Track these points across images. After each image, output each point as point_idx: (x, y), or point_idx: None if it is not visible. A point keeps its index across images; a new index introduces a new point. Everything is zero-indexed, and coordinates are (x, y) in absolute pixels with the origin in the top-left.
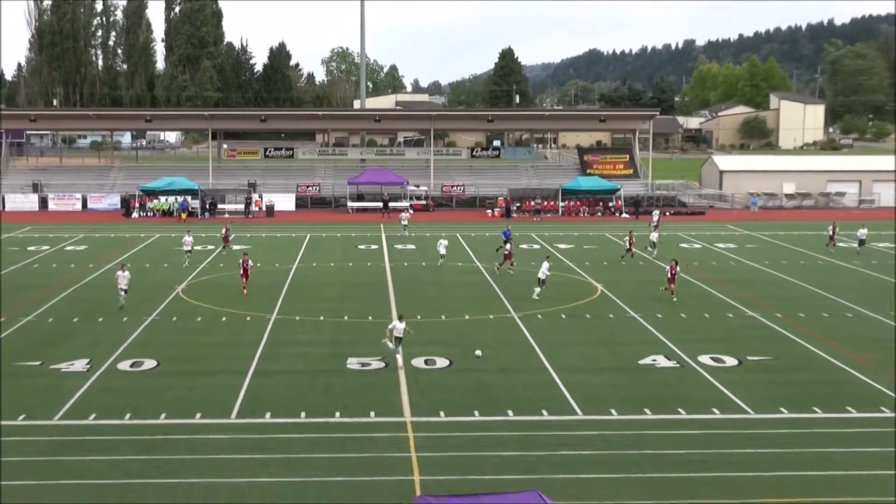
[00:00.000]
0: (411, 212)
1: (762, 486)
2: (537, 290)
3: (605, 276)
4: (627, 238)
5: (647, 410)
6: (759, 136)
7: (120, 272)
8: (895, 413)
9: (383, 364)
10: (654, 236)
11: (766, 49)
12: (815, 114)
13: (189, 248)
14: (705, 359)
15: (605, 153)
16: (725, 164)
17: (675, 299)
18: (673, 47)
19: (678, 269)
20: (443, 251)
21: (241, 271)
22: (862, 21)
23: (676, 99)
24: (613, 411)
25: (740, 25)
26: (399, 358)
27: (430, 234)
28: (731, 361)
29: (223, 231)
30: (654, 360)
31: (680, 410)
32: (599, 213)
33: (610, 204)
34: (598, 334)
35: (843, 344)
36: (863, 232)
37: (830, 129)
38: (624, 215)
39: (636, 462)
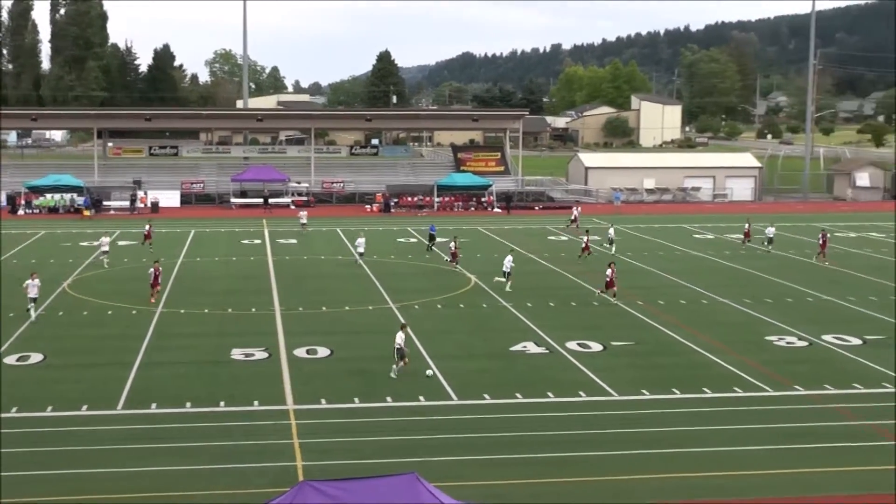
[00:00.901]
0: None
1: (627, 464)
2: (503, 280)
3: (478, 267)
4: (585, 237)
5: (518, 394)
6: (621, 135)
7: (30, 280)
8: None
9: (267, 354)
10: (610, 233)
11: (628, 53)
12: (673, 114)
13: (107, 249)
14: (572, 345)
15: (477, 151)
16: (590, 162)
17: (615, 301)
18: (541, 51)
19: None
20: (361, 249)
21: (152, 279)
22: (715, 27)
23: (545, 100)
24: (487, 396)
25: (604, 31)
26: (396, 367)
27: (311, 229)
28: (596, 347)
29: (146, 228)
30: (525, 347)
31: (549, 394)
32: (473, 208)
33: (483, 199)
34: (472, 323)
35: (699, 329)
36: (771, 230)
37: (687, 129)
38: (496, 210)
39: (509, 444)
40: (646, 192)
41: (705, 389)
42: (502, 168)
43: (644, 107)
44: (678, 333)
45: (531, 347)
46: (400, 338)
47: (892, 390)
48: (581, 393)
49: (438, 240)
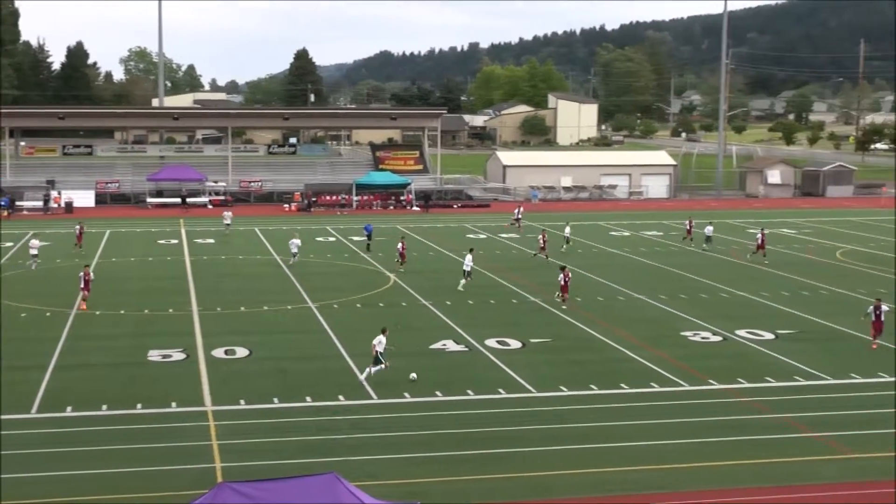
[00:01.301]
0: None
1: (547, 460)
2: (462, 281)
3: (396, 266)
4: (541, 237)
5: (438, 392)
6: (538, 133)
7: None
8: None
9: (184, 355)
10: (566, 231)
11: (545, 52)
12: (590, 112)
13: (36, 252)
14: (491, 342)
15: (396, 150)
16: (508, 160)
17: (564, 307)
18: (459, 49)
19: (569, 277)
20: (294, 250)
21: (82, 284)
22: (630, 27)
23: (463, 98)
24: (407, 394)
25: (521, 30)
26: (372, 369)
27: (229, 230)
28: (515, 344)
29: (77, 228)
30: (444, 345)
31: (469, 391)
32: (392, 207)
33: (401, 198)
34: (392, 322)
35: (616, 325)
36: (709, 229)
37: (603, 127)
38: (414, 208)
39: (429, 441)
40: (563, 189)
41: (622, 385)
42: (421, 166)
43: (561, 105)
44: (596, 330)
45: (451, 345)
46: (378, 341)
47: (804, 383)
48: (500, 390)
49: (377, 239)
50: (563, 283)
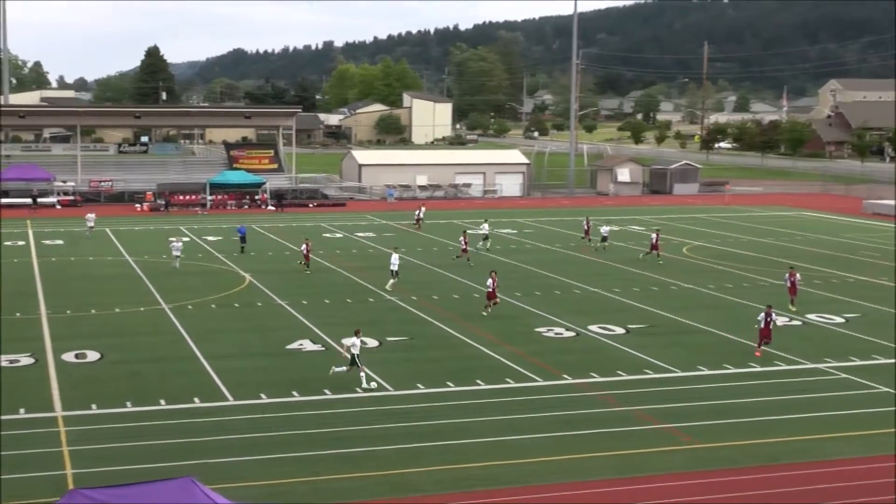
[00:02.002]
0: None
1: (406, 458)
2: (391, 281)
3: (252, 265)
4: (462, 237)
5: (295, 393)
6: (394, 132)
7: None
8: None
9: (33, 360)
10: (485, 228)
11: (399, 51)
12: (444, 111)
13: None
14: (349, 341)
15: (250, 149)
16: (364, 159)
17: (485, 313)
18: (314, 48)
19: (497, 283)
20: (177, 253)
21: None
22: (483, 27)
23: (318, 97)
24: (263, 395)
25: (375, 29)
26: (343, 368)
27: (75, 230)
28: (372, 343)
29: None
30: (301, 345)
31: (326, 391)
32: (246, 206)
33: (256, 197)
34: (248, 322)
35: (471, 322)
36: (605, 229)
37: (458, 126)
38: (269, 208)
39: (287, 442)
40: (419, 188)
41: (479, 381)
42: (276, 165)
43: (416, 104)
44: (452, 327)
45: (307, 345)
46: (351, 342)
47: (653, 376)
48: (358, 389)
49: (232, 239)
50: (491, 289)
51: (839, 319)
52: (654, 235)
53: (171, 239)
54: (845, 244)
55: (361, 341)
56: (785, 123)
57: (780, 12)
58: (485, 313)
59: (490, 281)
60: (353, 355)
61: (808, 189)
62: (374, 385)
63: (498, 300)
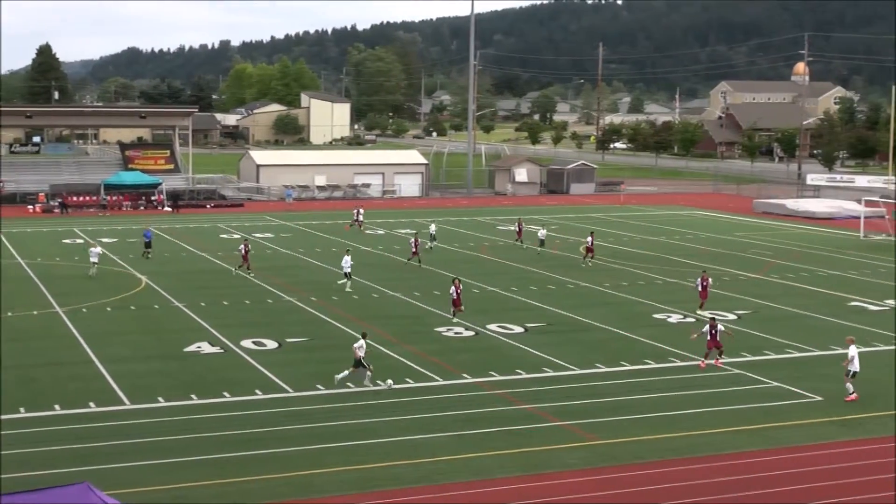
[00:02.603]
0: None
1: (308, 460)
2: (347, 282)
3: (148, 267)
4: (413, 240)
5: (193, 396)
6: (292, 132)
7: None
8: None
9: None
10: (432, 229)
11: (297, 51)
12: (342, 112)
13: None
14: (247, 343)
15: (146, 149)
16: (262, 159)
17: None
18: (210, 47)
19: (460, 289)
20: (94, 259)
21: None
22: (381, 27)
23: (214, 97)
24: (161, 399)
25: (272, 28)
26: (348, 372)
27: None
28: (271, 344)
29: None
30: (199, 347)
31: (225, 394)
32: (142, 207)
33: (152, 198)
34: (144, 324)
35: (371, 322)
36: (543, 232)
37: (356, 126)
38: (166, 209)
39: (187, 446)
40: (317, 189)
41: (379, 382)
42: (172, 166)
43: (314, 104)
44: (351, 327)
45: (206, 347)
46: (358, 345)
47: (552, 374)
48: (257, 391)
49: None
50: (454, 296)
51: (732, 316)
52: (588, 238)
53: (90, 246)
54: (736, 242)
55: (367, 343)
56: (677, 124)
57: (670, 15)
58: (455, 320)
59: (453, 289)
60: (357, 358)
61: (700, 189)
62: (389, 383)
63: (462, 308)
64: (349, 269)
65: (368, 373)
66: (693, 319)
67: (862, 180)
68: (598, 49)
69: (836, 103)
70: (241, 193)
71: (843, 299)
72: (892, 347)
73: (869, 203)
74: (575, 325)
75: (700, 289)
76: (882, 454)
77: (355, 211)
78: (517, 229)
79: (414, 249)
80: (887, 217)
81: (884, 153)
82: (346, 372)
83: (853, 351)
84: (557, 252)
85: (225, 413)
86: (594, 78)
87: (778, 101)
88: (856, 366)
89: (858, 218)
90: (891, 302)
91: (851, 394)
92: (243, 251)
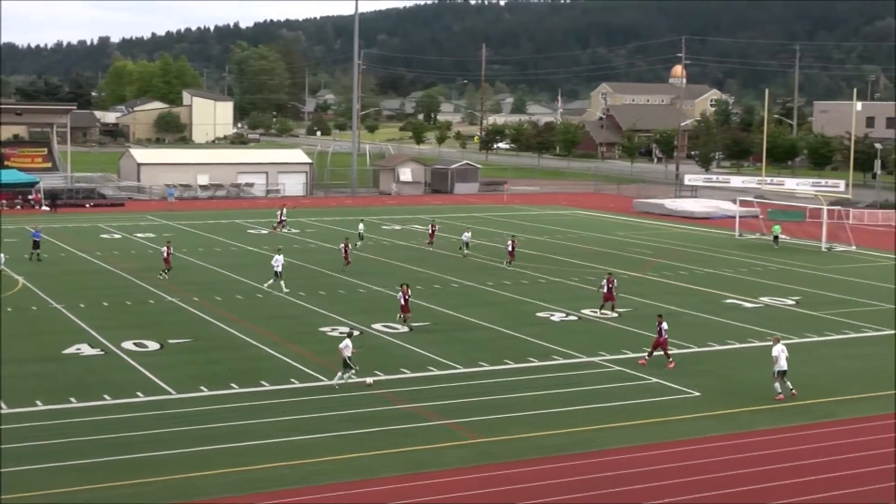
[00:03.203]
0: None
1: (191, 462)
2: (274, 281)
3: (26, 268)
4: (343, 246)
5: (72, 399)
6: (174, 131)
7: None
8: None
9: None
10: (360, 228)
11: (179, 48)
12: (225, 110)
13: None
14: (129, 344)
15: (23, 146)
16: (143, 158)
17: (406, 327)
18: (89, 43)
19: (409, 294)
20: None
21: None
22: (265, 25)
23: (93, 94)
24: (39, 402)
25: (153, 25)
26: (343, 374)
27: None
28: (153, 346)
29: None
30: (79, 349)
31: (105, 396)
32: (19, 207)
33: (29, 197)
34: (21, 326)
35: (256, 323)
36: (467, 235)
37: (239, 125)
38: (44, 208)
39: (64, 450)
40: (200, 188)
41: (263, 382)
42: (50, 164)
43: (196, 102)
44: (235, 328)
45: (85, 349)
46: (344, 344)
47: (436, 373)
48: (139, 393)
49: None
50: (403, 301)
51: (612, 314)
52: (509, 242)
53: None
54: (617, 241)
55: (354, 342)
56: (559, 125)
57: (552, 17)
58: (401, 326)
59: (400, 294)
60: (344, 358)
61: (581, 188)
62: (347, 379)
63: (409, 315)
64: (279, 269)
65: (353, 371)
66: (576, 318)
67: (737, 181)
68: (482, 50)
69: (712, 105)
70: (122, 192)
71: (719, 297)
72: (768, 343)
73: (744, 203)
74: (460, 324)
75: (605, 290)
76: (757, 447)
77: (279, 211)
78: (430, 232)
79: (345, 255)
80: (761, 217)
81: (757, 154)
82: (339, 374)
83: (776, 351)
84: (443, 251)
85: (105, 416)
86: (477, 78)
87: (657, 102)
88: (781, 365)
89: (734, 217)
90: (765, 299)
91: (779, 393)
92: (166, 253)
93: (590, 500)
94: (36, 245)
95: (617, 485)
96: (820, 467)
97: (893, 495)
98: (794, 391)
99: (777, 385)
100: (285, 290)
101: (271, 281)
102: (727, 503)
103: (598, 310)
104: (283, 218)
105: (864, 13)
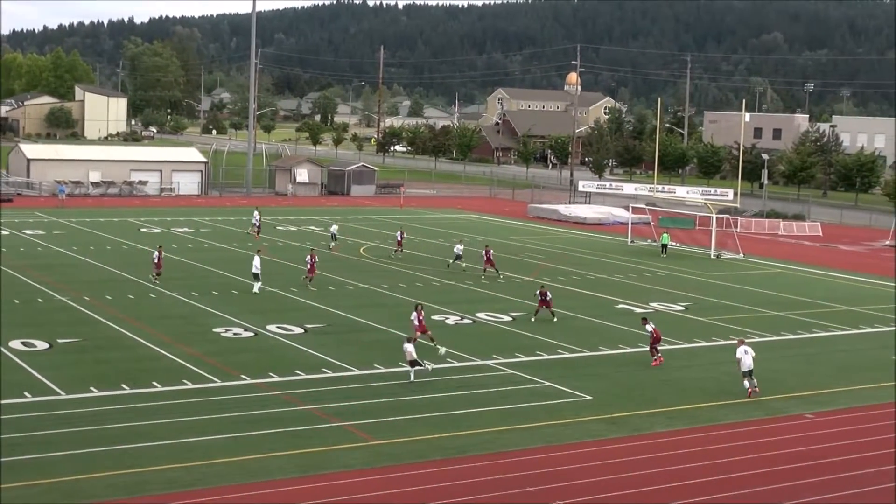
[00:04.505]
0: None
1: (79, 464)
2: (257, 283)
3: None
4: (310, 257)
5: None
6: (65, 126)
7: None
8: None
9: None
10: (333, 228)
11: (70, 42)
12: (118, 106)
13: None
14: (16, 344)
15: None
16: (32, 153)
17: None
18: None
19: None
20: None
21: None
22: (159, 21)
23: None
24: None
25: (44, 18)
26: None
27: None
28: (41, 345)
29: None
30: None
31: None
32: None
33: None
34: None
35: (147, 323)
36: (459, 248)
37: (133, 122)
38: None
39: None
40: (92, 185)
41: (155, 383)
42: None
43: (88, 98)
44: (126, 328)
45: None
46: (409, 348)
47: (331, 375)
48: (26, 394)
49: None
50: (417, 322)
51: (507, 318)
52: (483, 252)
53: None
54: (511, 246)
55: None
56: (455, 129)
57: (448, 21)
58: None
59: (415, 315)
60: (412, 359)
61: (477, 193)
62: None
63: (430, 332)
64: (258, 271)
65: (426, 367)
66: (470, 321)
67: (629, 188)
68: (379, 52)
69: (605, 113)
70: (11, 188)
71: (610, 302)
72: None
73: (636, 210)
74: (354, 325)
75: (539, 300)
76: (650, 450)
77: (254, 214)
78: (398, 240)
79: (310, 267)
80: (652, 224)
81: (649, 162)
82: (419, 368)
83: (740, 352)
84: (338, 254)
85: None
86: (374, 80)
87: (552, 109)
88: (746, 365)
89: (626, 224)
90: (655, 305)
91: (748, 389)
92: (156, 258)
93: (495, 501)
94: None
95: (521, 485)
96: (709, 469)
97: (785, 497)
98: (757, 388)
99: (746, 382)
100: (255, 290)
101: (257, 283)
102: None
103: (532, 317)
104: (258, 224)
105: (752, 26)
